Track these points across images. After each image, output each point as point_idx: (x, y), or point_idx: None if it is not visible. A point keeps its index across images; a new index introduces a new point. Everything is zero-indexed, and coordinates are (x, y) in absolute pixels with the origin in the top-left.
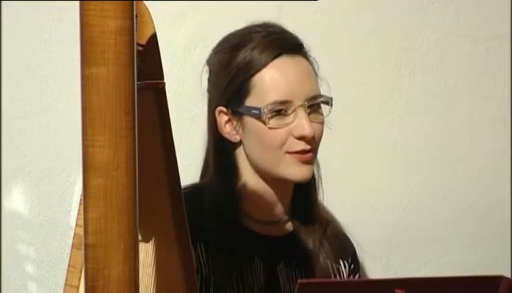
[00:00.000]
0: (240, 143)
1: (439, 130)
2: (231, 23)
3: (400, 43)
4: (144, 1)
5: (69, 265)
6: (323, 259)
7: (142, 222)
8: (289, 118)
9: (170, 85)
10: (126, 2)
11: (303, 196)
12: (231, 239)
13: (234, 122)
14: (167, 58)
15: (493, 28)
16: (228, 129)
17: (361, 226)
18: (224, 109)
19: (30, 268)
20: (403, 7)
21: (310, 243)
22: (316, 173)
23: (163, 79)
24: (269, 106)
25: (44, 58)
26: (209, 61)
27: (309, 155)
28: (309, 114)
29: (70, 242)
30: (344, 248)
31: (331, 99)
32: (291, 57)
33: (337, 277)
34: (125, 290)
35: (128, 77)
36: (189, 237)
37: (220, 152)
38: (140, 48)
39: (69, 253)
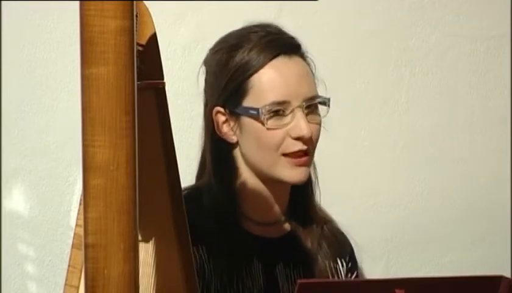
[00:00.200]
0: (237, 143)
1: (439, 130)
2: (231, 23)
3: (400, 43)
4: (144, 1)
5: (69, 265)
6: (322, 259)
7: (142, 222)
8: (287, 119)
9: (170, 85)
10: (126, 2)
11: (300, 197)
12: (231, 240)
13: (232, 123)
14: (167, 58)
15: (493, 28)
16: (225, 130)
17: (361, 226)
18: (221, 110)
19: (30, 268)
20: (403, 7)
21: (308, 243)
22: (312, 174)
23: (163, 79)
24: (267, 107)
25: (44, 58)
26: (206, 62)
27: (305, 158)
28: (306, 115)
29: (70, 242)
30: (341, 246)
31: (329, 99)
32: (288, 58)
33: (336, 276)
34: (125, 290)
35: (128, 77)
36: (189, 237)
37: (218, 153)
38: (140, 48)
39: (69, 253)
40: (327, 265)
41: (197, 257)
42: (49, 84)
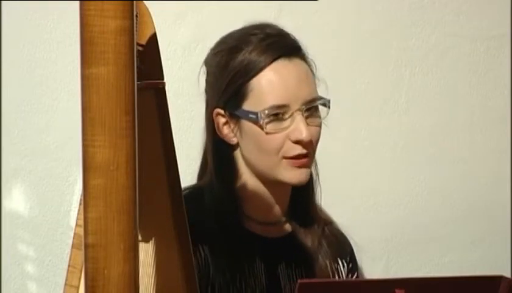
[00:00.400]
0: (238, 145)
1: (439, 130)
2: (231, 23)
3: (400, 43)
4: (144, 1)
5: (69, 265)
6: (323, 259)
7: (142, 222)
8: (286, 122)
9: (170, 85)
10: (126, 2)
11: (301, 197)
12: (233, 239)
13: (232, 125)
14: (167, 58)
15: (493, 28)
16: (225, 131)
17: (361, 226)
18: (222, 111)
19: (30, 268)
20: (403, 7)
21: (309, 243)
22: (313, 173)
23: (163, 79)
24: (266, 111)
25: (44, 58)
26: (207, 62)
27: (305, 160)
28: (306, 118)
29: (70, 242)
30: (342, 247)
31: (329, 101)
32: (288, 60)
33: (336, 277)
34: (125, 290)
35: (128, 77)
36: (189, 237)
37: (219, 154)
38: (140, 48)
39: (69, 253)
40: (328, 265)
41: (202, 256)
42: (49, 84)
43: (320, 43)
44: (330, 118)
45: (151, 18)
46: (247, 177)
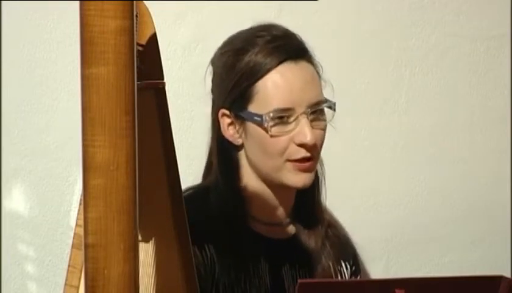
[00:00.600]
0: (242, 145)
1: (439, 130)
2: (231, 23)
3: (400, 43)
4: (144, 1)
5: (69, 265)
6: (326, 261)
7: (142, 222)
8: (291, 125)
9: (170, 85)
10: (126, 2)
11: (306, 198)
12: (238, 240)
13: (237, 126)
14: (167, 58)
15: (493, 28)
16: (231, 132)
17: (361, 226)
18: (227, 112)
19: (30, 268)
20: (403, 7)
21: (313, 245)
22: (319, 174)
23: (163, 79)
24: (271, 114)
25: (44, 58)
26: (213, 62)
27: (309, 163)
28: (311, 121)
29: (70, 242)
30: (345, 249)
31: (334, 104)
32: (294, 63)
33: (339, 278)
34: (125, 290)
35: (128, 77)
36: (189, 237)
37: (224, 154)
38: (140, 48)
39: (69, 253)
40: (331, 267)
41: (208, 255)
42: (49, 84)
43: (320, 43)
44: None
45: (151, 18)
46: (251, 178)
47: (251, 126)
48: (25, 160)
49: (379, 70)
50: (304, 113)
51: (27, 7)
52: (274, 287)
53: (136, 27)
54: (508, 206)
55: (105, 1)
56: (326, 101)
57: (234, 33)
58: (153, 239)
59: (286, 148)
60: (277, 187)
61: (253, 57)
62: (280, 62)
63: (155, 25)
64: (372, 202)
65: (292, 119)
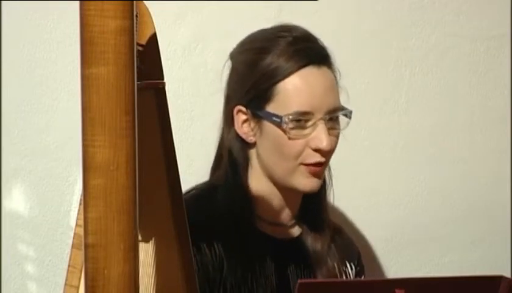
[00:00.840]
0: (255, 144)
1: (439, 130)
2: (231, 23)
3: (400, 43)
4: (144, 1)
5: (69, 265)
6: (331, 261)
7: (142, 222)
8: (308, 130)
9: (170, 85)
10: (126, 2)
11: (313, 200)
12: (245, 239)
13: (252, 124)
14: (167, 58)
15: (493, 28)
16: (245, 130)
17: (361, 226)
18: (243, 109)
19: (30, 268)
20: (403, 7)
21: (319, 245)
22: (327, 176)
23: (163, 79)
24: (290, 116)
25: (44, 58)
26: (233, 57)
27: (319, 168)
28: (328, 127)
29: (70, 242)
30: (350, 250)
31: (351, 112)
32: (317, 68)
33: (341, 279)
34: (125, 290)
35: (128, 77)
36: (189, 237)
37: (235, 150)
38: (140, 48)
39: (69, 253)
40: (336, 267)
41: (216, 253)
42: (49, 84)
43: None
44: None
45: (151, 18)
46: (260, 178)
47: (268, 126)
48: (25, 160)
49: (379, 70)
50: (322, 118)
51: (27, 7)
52: (280, 287)
53: (136, 27)
54: (508, 206)
55: (105, 1)
56: (343, 108)
57: (255, 31)
58: (153, 239)
59: (301, 152)
60: (285, 189)
61: (276, 58)
62: (303, 66)
63: (155, 25)
64: (372, 202)
65: (310, 123)
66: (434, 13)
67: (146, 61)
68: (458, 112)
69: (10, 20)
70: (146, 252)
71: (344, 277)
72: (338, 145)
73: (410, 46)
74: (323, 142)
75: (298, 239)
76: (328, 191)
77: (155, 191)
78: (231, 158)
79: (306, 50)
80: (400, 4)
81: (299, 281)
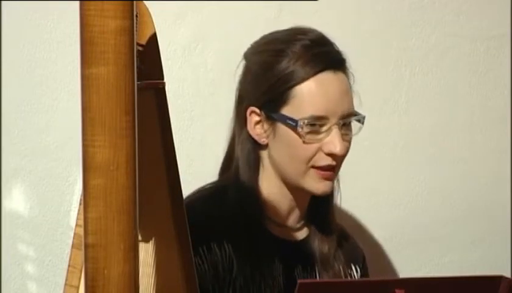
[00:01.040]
0: (267, 145)
1: (439, 130)
2: (231, 23)
3: (400, 43)
4: (144, 1)
5: (69, 265)
6: (337, 263)
7: (142, 222)
8: (322, 134)
9: (170, 85)
10: (126, 2)
11: (320, 202)
12: (254, 239)
13: (266, 126)
14: (167, 58)
15: (493, 28)
16: (257, 131)
17: (361, 226)
18: (257, 110)
19: (30, 268)
20: (403, 7)
21: (325, 247)
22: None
23: (163, 79)
24: (306, 120)
25: (44, 58)
26: (247, 58)
27: (331, 172)
28: (341, 132)
29: (70, 242)
30: (355, 253)
31: (364, 117)
32: (333, 73)
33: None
34: (125, 290)
35: (128, 77)
36: (189, 237)
37: (246, 151)
38: (140, 48)
39: (69, 253)
40: (342, 270)
41: (226, 252)
42: (49, 84)
43: None
44: None
45: (151, 18)
46: (271, 179)
47: (282, 128)
48: (25, 160)
49: (379, 70)
50: (336, 124)
51: (27, 7)
52: (287, 288)
53: (136, 27)
54: (508, 206)
55: (105, 1)
56: (356, 113)
57: (269, 32)
58: (153, 239)
59: (314, 155)
60: (296, 190)
61: (292, 63)
62: (320, 71)
63: (155, 25)
64: (372, 202)
65: (324, 128)
66: (434, 13)
67: (146, 61)
68: (458, 112)
69: (10, 20)
70: (146, 252)
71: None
72: None
73: (410, 46)
74: (337, 147)
75: (306, 241)
76: (335, 194)
77: (155, 191)
78: (243, 159)
79: (323, 54)
80: (400, 4)
81: (299, 281)
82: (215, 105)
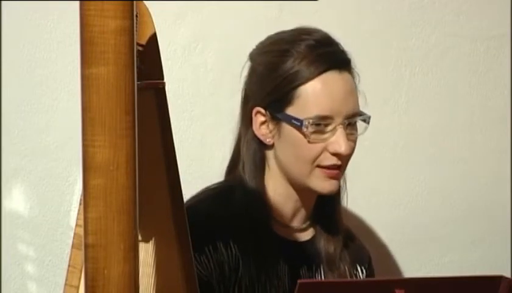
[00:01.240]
0: (273, 146)
1: (439, 130)
2: (231, 23)
3: (400, 43)
4: (144, 1)
5: (69, 265)
6: (343, 264)
7: (142, 222)
8: (327, 134)
9: (170, 85)
10: (126, 2)
11: (326, 202)
12: (260, 240)
13: (271, 126)
14: (167, 58)
15: (493, 28)
16: (263, 131)
17: (361, 226)
18: (262, 111)
19: (30, 268)
20: (403, 7)
21: (331, 248)
22: (341, 180)
23: (163, 79)
24: (311, 120)
25: (44, 58)
26: (252, 58)
27: (337, 172)
28: (346, 132)
29: (70, 242)
30: (361, 254)
31: (369, 117)
32: (338, 73)
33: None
34: (125, 290)
35: (128, 77)
36: (189, 237)
37: (252, 151)
38: (140, 48)
39: (69, 253)
40: (347, 270)
41: (233, 252)
42: (49, 84)
43: None
44: None
45: (151, 18)
46: (277, 179)
47: (287, 128)
48: (25, 160)
49: (379, 70)
50: (341, 123)
51: (27, 7)
52: (292, 288)
53: (136, 27)
54: (508, 206)
55: (105, 1)
56: (362, 113)
57: (274, 33)
58: (153, 239)
59: (319, 155)
60: (301, 190)
61: (297, 62)
62: (324, 71)
63: (155, 25)
64: (372, 202)
65: (329, 128)
66: (434, 13)
67: (146, 61)
68: (458, 112)
69: (10, 20)
70: (146, 252)
71: None
72: None
73: (410, 46)
74: (342, 147)
75: (312, 241)
76: (342, 194)
77: (155, 191)
78: (249, 160)
79: (328, 54)
80: (400, 4)
81: (299, 281)
82: (215, 105)
